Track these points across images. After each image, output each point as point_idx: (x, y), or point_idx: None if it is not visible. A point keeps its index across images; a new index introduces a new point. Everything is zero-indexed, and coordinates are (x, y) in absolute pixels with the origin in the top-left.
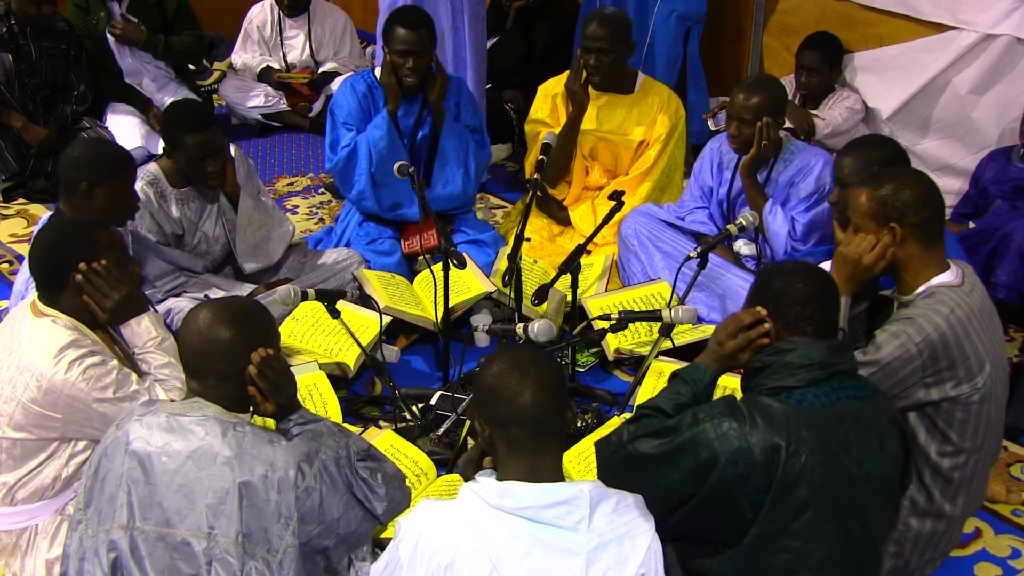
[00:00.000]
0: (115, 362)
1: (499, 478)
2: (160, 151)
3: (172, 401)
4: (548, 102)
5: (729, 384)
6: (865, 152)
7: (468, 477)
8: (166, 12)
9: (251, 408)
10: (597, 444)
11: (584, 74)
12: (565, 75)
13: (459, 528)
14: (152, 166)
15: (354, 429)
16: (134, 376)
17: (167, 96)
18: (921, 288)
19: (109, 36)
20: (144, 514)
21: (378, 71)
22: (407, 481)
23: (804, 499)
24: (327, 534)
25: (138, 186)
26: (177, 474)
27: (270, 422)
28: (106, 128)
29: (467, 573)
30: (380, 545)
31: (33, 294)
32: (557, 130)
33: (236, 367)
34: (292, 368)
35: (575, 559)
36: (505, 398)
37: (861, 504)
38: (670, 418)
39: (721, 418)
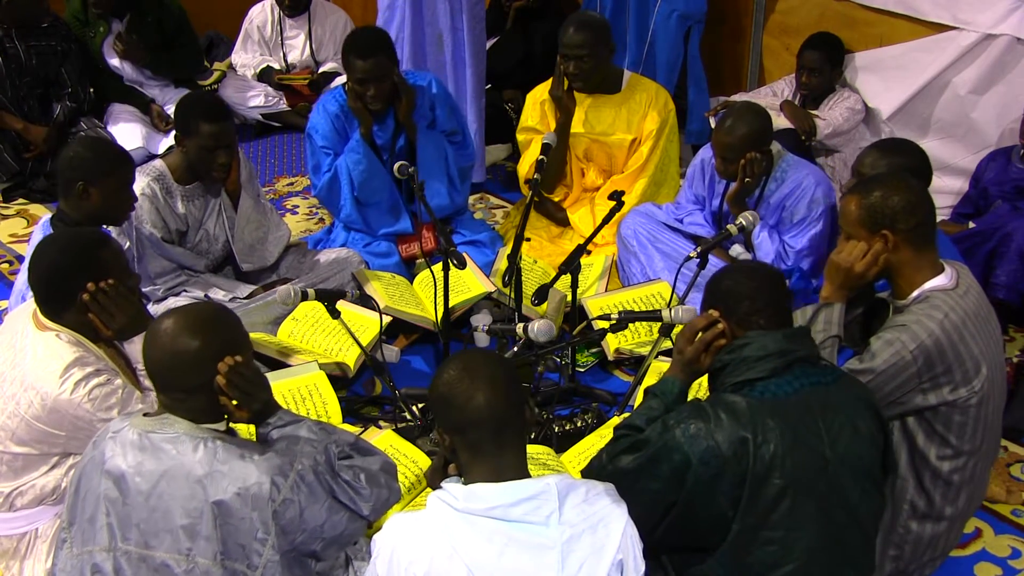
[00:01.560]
0: (120, 380)
1: (465, 483)
2: (160, 151)
3: (144, 416)
4: (537, 109)
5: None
6: (891, 156)
7: (435, 487)
8: (165, 29)
9: (226, 416)
10: (582, 472)
11: (567, 80)
12: (550, 81)
13: (431, 537)
14: (158, 162)
15: (354, 429)
16: (137, 393)
17: (169, 97)
18: (915, 293)
19: (109, 50)
20: (124, 535)
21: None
22: (401, 475)
23: (780, 488)
24: (313, 540)
25: (144, 182)
26: (151, 496)
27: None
28: (106, 129)
29: None
30: None
31: (32, 303)
32: None
33: (204, 379)
34: (292, 368)
35: (550, 553)
36: (458, 403)
37: (840, 488)
38: (643, 432)
39: (688, 421)
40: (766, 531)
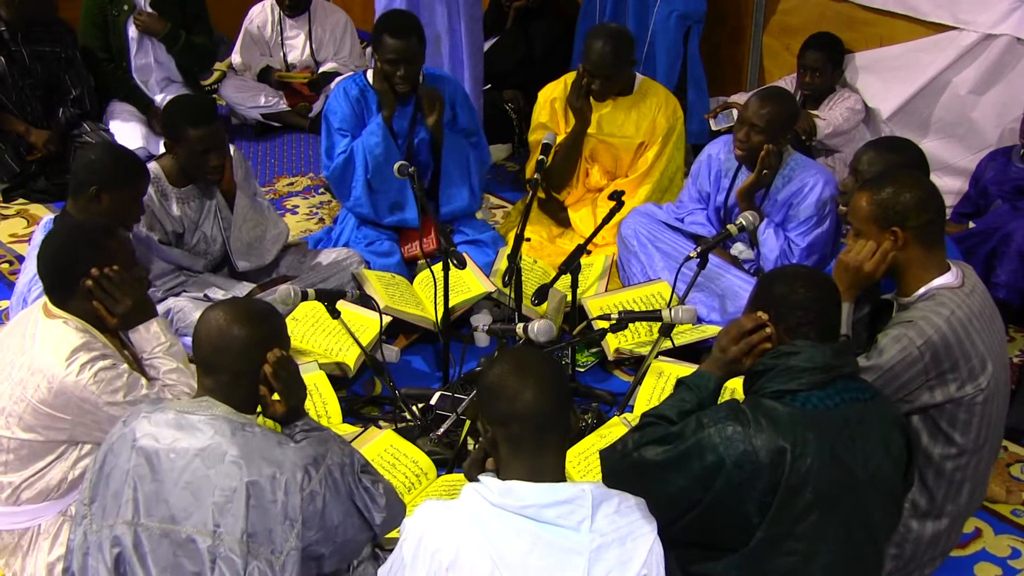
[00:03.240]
0: (125, 366)
1: (502, 478)
2: (161, 151)
3: (181, 399)
4: (548, 107)
5: (738, 387)
6: (888, 154)
7: (472, 479)
8: (186, 12)
9: (258, 409)
10: (602, 453)
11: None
12: (563, 80)
13: (461, 527)
14: (152, 165)
15: (354, 429)
16: (143, 380)
17: (168, 98)
18: (921, 290)
19: (131, 27)
20: (149, 510)
21: (370, 73)
22: (401, 475)
23: (809, 502)
24: (325, 541)
25: None
26: (185, 471)
27: (274, 425)
28: (107, 130)
29: (469, 572)
30: (381, 546)
31: (42, 297)
32: (559, 135)
33: (251, 365)
34: None
35: (577, 559)
36: (507, 397)
37: (865, 507)
38: (674, 425)
39: (725, 422)
40: (790, 542)
